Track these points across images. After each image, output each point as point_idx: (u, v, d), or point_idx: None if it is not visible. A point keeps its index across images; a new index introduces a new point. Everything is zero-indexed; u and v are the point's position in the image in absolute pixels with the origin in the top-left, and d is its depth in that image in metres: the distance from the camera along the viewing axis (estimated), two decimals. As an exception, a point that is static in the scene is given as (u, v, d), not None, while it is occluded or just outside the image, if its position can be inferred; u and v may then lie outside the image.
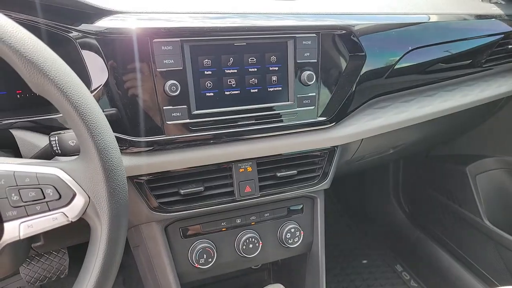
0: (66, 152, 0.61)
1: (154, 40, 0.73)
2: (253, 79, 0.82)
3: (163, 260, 0.85)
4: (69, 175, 0.51)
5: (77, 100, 0.48)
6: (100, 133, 0.50)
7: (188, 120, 0.78)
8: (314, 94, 0.87)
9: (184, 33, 0.75)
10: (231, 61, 0.80)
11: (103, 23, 0.71)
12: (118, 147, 0.53)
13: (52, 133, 0.62)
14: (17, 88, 0.80)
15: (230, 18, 0.80)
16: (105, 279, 0.51)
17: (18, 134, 0.73)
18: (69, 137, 0.61)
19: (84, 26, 0.72)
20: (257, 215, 0.93)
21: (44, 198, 0.50)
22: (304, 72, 0.84)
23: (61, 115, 0.75)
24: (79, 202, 0.51)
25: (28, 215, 0.49)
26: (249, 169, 0.88)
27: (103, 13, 0.72)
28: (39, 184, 0.50)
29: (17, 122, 0.73)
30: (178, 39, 0.75)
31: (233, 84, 0.81)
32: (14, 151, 0.74)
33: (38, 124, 0.75)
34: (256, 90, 0.83)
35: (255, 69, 0.82)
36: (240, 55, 0.80)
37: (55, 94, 0.48)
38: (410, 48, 0.97)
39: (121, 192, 0.53)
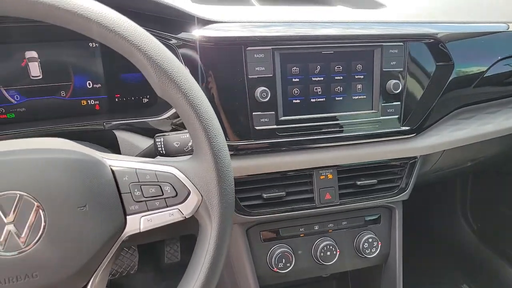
0: (170, 152, 0.65)
1: (247, 48, 0.76)
2: (339, 87, 0.83)
3: (244, 262, 0.87)
4: (184, 174, 0.54)
5: (198, 105, 0.52)
6: (215, 135, 0.53)
7: (275, 126, 0.80)
8: (399, 103, 0.86)
9: (276, 42, 0.77)
10: (318, 69, 0.81)
11: (201, 32, 0.75)
12: (228, 150, 0.56)
13: (157, 134, 0.66)
14: (116, 92, 0.86)
15: (318, 27, 0.82)
16: (213, 275, 0.54)
17: (120, 134, 0.79)
18: (174, 138, 0.65)
19: (183, 35, 0.76)
20: (334, 222, 0.93)
21: (163, 194, 0.53)
22: (390, 81, 0.84)
23: (153, 118, 0.81)
24: (193, 200, 0.54)
25: (148, 210, 0.52)
26: (330, 176, 0.88)
27: (201, 22, 0.76)
28: (158, 181, 0.53)
29: (119, 123, 0.79)
30: (270, 47, 0.77)
31: (319, 91, 0.82)
32: (114, 150, 0.80)
33: (135, 126, 0.80)
34: (341, 98, 0.84)
35: (341, 77, 0.83)
36: (327, 63, 0.82)
37: (179, 98, 0.51)
38: (499, 58, 0.93)
39: (231, 192, 0.55)
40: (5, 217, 0.45)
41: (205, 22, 0.77)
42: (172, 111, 0.79)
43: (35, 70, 0.79)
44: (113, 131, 0.79)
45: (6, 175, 0.46)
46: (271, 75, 0.78)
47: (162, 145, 0.65)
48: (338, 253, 0.92)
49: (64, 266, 0.47)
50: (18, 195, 0.46)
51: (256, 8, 0.95)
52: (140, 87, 0.87)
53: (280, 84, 0.79)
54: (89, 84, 0.83)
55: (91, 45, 0.81)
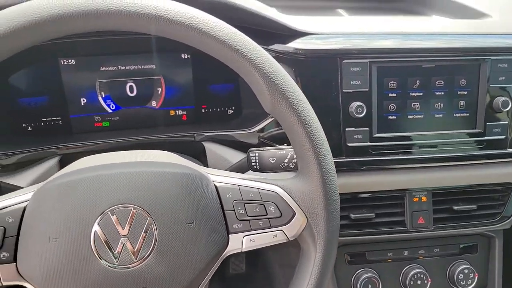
0: (264, 168, 0.63)
1: (343, 61, 0.73)
2: (439, 103, 0.77)
3: (328, 284, 0.83)
4: (288, 193, 0.52)
5: (309, 124, 0.49)
6: (324, 155, 0.50)
7: (368, 143, 0.76)
8: (507, 122, 0.78)
9: (374, 54, 0.73)
10: (417, 84, 0.76)
11: (296, 44, 0.73)
12: (335, 171, 0.53)
13: (251, 149, 0.65)
14: (203, 103, 0.86)
15: (418, 38, 0.76)
16: None
17: (208, 146, 0.79)
18: (269, 154, 0.62)
19: (276, 46, 0.74)
20: (426, 249, 0.86)
21: (267, 214, 0.51)
22: (498, 98, 0.76)
23: (242, 131, 0.79)
24: (298, 222, 0.51)
25: (251, 230, 0.51)
26: (424, 199, 0.81)
27: (296, 34, 0.74)
28: (262, 200, 0.51)
29: (209, 135, 0.78)
30: (367, 60, 0.73)
31: (417, 107, 0.76)
32: (201, 161, 0.80)
33: (223, 138, 0.80)
34: (441, 115, 0.77)
35: (442, 93, 0.77)
36: (427, 78, 0.76)
37: (289, 116, 0.49)
38: None
39: (337, 216, 0.52)
40: (121, 230, 0.45)
41: (299, 34, 0.74)
42: (262, 125, 0.77)
43: (130, 80, 0.81)
44: (202, 142, 0.78)
45: (123, 187, 0.46)
46: (367, 89, 0.74)
47: (257, 161, 0.63)
48: (429, 282, 0.85)
49: (172, 283, 0.46)
50: (132, 208, 0.46)
51: (346, 18, 0.92)
52: (226, 98, 0.87)
53: (376, 99, 0.75)
54: (178, 94, 0.84)
55: (183, 56, 0.82)
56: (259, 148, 0.64)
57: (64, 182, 0.47)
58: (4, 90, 0.74)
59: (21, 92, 0.76)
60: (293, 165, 0.62)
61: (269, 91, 0.48)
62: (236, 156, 0.78)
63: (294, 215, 0.51)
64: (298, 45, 0.73)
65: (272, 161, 0.62)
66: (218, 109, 0.87)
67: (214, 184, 0.52)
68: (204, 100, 0.86)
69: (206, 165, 0.80)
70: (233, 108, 0.88)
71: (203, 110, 0.87)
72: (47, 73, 0.76)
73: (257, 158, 0.63)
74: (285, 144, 0.72)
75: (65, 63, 0.76)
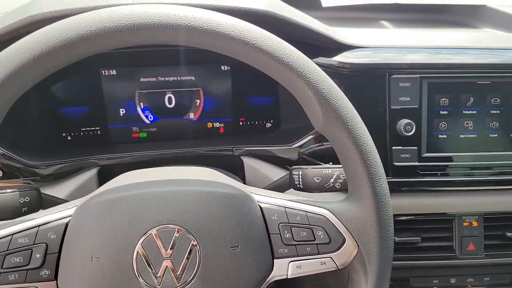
0: (308, 188, 0.60)
1: (392, 76, 0.69)
2: (494, 122, 0.72)
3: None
4: (338, 218, 0.48)
5: (363, 145, 0.46)
6: (379, 179, 0.47)
7: (416, 163, 0.71)
8: None
9: (425, 69, 0.69)
10: (471, 101, 0.71)
11: (341, 57, 0.70)
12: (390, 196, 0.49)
13: (294, 167, 0.62)
14: (241, 116, 0.84)
15: (472, 53, 0.72)
16: None
17: (247, 161, 0.76)
18: (314, 173, 0.59)
19: (321, 59, 0.71)
20: (475, 277, 0.80)
21: (315, 239, 0.48)
22: (561, 118, 0.71)
23: (283, 147, 0.77)
24: (348, 249, 0.48)
25: (298, 255, 0.47)
26: (475, 224, 0.76)
27: (342, 47, 0.71)
28: (309, 224, 0.48)
29: (248, 150, 0.76)
30: (418, 75, 0.69)
31: (470, 126, 0.72)
32: (239, 177, 0.77)
33: (262, 153, 0.77)
34: (496, 135, 0.72)
35: (498, 111, 0.72)
36: (482, 95, 0.71)
37: (342, 136, 0.46)
38: None
39: (391, 245, 0.48)
40: (164, 251, 0.43)
41: (345, 47, 0.71)
42: (303, 141, 0.74)
43: (169, 91, 0.80)
44: (241, 157, 0.76)
45: (166, 206, 0.44)
46: (417, 106, 0.70)
47: (300, 179, 0.60)
48: (478, 314, 0.79)
49: None
50: (176, 229, 0.43)
51: (393, 31, 0.88)
52: (265, 111, 0.85)
53: (426, 117, 0.71)
54: (216, 107, 0.83)
55: (223, 68, 0.81)
56: (302, 166, 0.61)
57: (107, 199, 0.45)
58: (46, 99, 0.75)
59: (62, 101, 0.76)
60: (339, 185, 0.59)
61: (322, 110, 0.45)
62: (275, 172, 0.76)
63: (344, 241, 0.48)
64: (343, 59, 0.70)
65: (316, 181, 0.59)
66: (256, 122, 0.85)
67: (259, 205, 0.49)
68: (242, 112, 0.84)
69: (243, 180, 0.77)
70: (271, 121, 0.85)
71: (240, 123, 0.85)
72: (88, 83, 0.76)
73: (300, 176, 0.60)
74: (331, 163, 0.69)
75: (106, 74, 0.76)
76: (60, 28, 0.40)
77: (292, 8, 0.70)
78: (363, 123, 0.47)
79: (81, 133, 0.79)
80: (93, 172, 0.71)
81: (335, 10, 0.90)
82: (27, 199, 0.54)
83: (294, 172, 0.61)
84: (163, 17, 0.41)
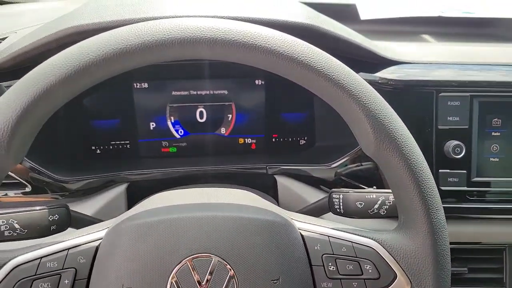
0: (349, 213, 0.56)
1: (440, 94, 0.65)
2: (553, 145, 0.66)
3: None
4: (388, 251, 0.44)
5: (420, 173, 0.42)
6: (436, 209, 0.42)
7: (465, 188, 0.66)
8: None
9: (476, 87, 0.64)
10: (526, 122, 0.66)
11: (385, 73, 0.66)
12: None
13: (334, 190, 0.58)
14: (274, 132, 0.81)
15: (528, 70, 0.67)
16: None
17: (281, 180, 0.73)
18: (356, 197, 0.55)
19: (362, 75, 0.67)
20: (527, 314, 0.74)
21: (362, 274, 0.44)
22: None
23: (316, 166, 0.72)
24: (399, 286, 0.43)
25: (343, 291, 0.43)
26: (528, 255, 0.70)
27: (385, 62, 0.67)
28: (356, 257, 0.44)
29: (283, 168, 0.72)
30: (468, 94, 0.64)
31: (525, 149, 0.66)
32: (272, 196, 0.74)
33: (297, 173, 0.73)
34: (554, 160, 0.66)
35: (557, 134, 0.66)
36: (538, 116, 0.66)
37: (396, 162, 0.42)
38: None
39: (448, 282, 0.43)
40: (200, 282, 0.39)
41: (389, 62, 0.67)
42: (342, 160, 0.70)
43: (201, 105, 0.78)
44: (275, 175, 0.73)
45: (203, 233, 0.41)
46: (467, 126, 0.65)
47: (341, 204, 0.56)
48: None
49: None
50: (213, 259, 0.40)
51: (436, 46, 0.83)
52: (299, 128, 0.81)
53: (477, 138, 0.65)
54: (249, 122, 0.79)
55: (257, 82, 0.78)
56: (343, 190, 0.57)
57: (140, 224, 0.42)
58: (77, 111, 0.73)
59: (93, 114, 0.75)
60: (384, 212, 0.54)
61: (374, 133, 0.41)
62: (310, 193, 0.72)
63: (395, 277, 0.43)
64: (386, 75, 0.66)
65: (359, 206, 0.55)
66: (289, 139, 0.81)
67: (300, 233, 0.46)
68: (275, 128, 0.81)
69: (277, 201, 0.73)
70: (305, 138, 0.82)
71: (273, 139, 0.81)
72: (120, 96, 0.75)
73: (341, 200, 0.56)
74: (374, 187, 0.64)
75: (138, 87, 0.74)
76: (98, 43, 0.38)
77: (331, 20, 0.66)
78: (419, 148, 0.43)
79: (111, 147, 0.77)
80: (122, 188, 0.69)
81: (374, 23, 0.86)
82: (56, 217, 0.52)
83: (334, 196, 0.57)
84: (214, 31, 0.38)
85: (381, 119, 0.41)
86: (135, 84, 0.74)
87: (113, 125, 0.76)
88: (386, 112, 0.42)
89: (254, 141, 0.81)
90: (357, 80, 0.42)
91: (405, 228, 0.45)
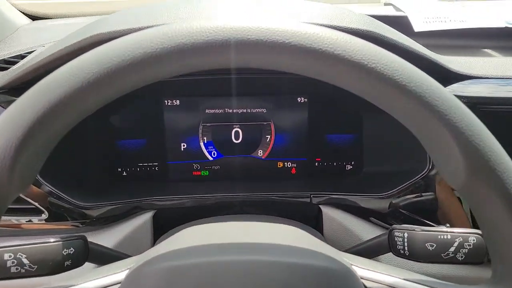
0: (416, 256, 0.46)
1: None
2: None
3: None
4: None
5: None
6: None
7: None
8: None
9: None
10: None
11: (455, 89, 0.57)
12: None
13: (396, 226, 0.48)
14: (318, 155, 0.72)
15: None
16: None
17: (326, 211, 0.63)
18: (426, 237, 0.46)
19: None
20: None
21: None
22: None
23: (368, 196, 0.63)
24: None
25: None
26: None
27: (454, 77, 0.58)
28: None
29: (329, 198, 0.63)
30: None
31: None
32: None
33: (344, 202, 0.64)
34: None
35: None
36: None
37: (496, 200, 0.32)
38: None
39: None
40: None
41: (458, 77, 0.58)
42: (400, 190, 0.60)
43: (237, 125, 0.70)
44: (320, 205, 0.64)
45: (245, 283, 0.32)
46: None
47: (406, 244, 0.47)
48: None
49: None
50: None
51: (503, 60, 0.73)
52: (345, 151, 0.72)
53: None
54: (289, 144, 0.71)
55: (299, 100, 0.70)
56: (407, 227, 0.47)
57: (166, 268, 0.34)
58: (104, 130, 0.67)
59: (120, 133, 0.69)
60: (462, 256, 0.44)
61: (466, 161, 0.32)
62: (360, 227, 0.62)
63: None
64: (457, 90, 0.56)
65: (430, 248, 0.45)
66: (334, 163, 0.72)
67: (363, 284, 0.36)
68: (318, 151, 0.72)
69: (321, 234, 0.64)
70: (352, 163, 0.72)
71: (316, 164, 0.72)
72: (149, 113, 0.68)
73: (406, 240, 0.47)
74: (448, 225, 0.54)
75: (169, 104, 0.68)
76: (123, 45, 0.31)
77: (391, 29, 0.58)
78: None
79: (138, 169, 0.70)
80: (147, 216, 0.61)
81: (429, 36, 0.77)
82: (72, 250, 0.45)
83: (396, 234, 0.47)
84: (301, 37, 0.30)
85: (475, 143, 0.32)
86: (166, 101, 0.68)
87: (140, 145, 0.69)
88: (482, 133, 0.32)
89: (294, 165, 0.72)
90: (443, 93, 0.33)
91: (504, 283, 0.34)
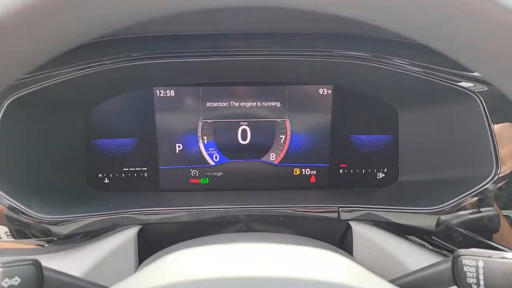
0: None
1: None
2: None
3: None
4: None
5: None
6: None
7: None
8: None
9: None
10: None
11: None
12: None
13: (463, 251, 0.36)
14: (342, 160, 0.59)
15: None
16: None
17: (357, 228, 0.50)
18: (508, 266, 0.33)
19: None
20: None
21: None
22: None
23: (411, 210, 0.50)
24: None
25: None
26: None
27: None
28: None
29: (362, 213, 0.50)
30: None
31: None
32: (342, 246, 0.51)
33: (374, 219, 0.51)
34: None
35: None
36: None
37: None
38: None
39: None
40: None
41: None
42: (455, 203, 0.47)
43: (244, 122, 0.58)
44: (349, 222, 0.50)
45: None
46: None
47: (480, 275, 0.34)
48: None
49: None
50: None
51: None
52: (377, 155, 0.59)
53: None
54: (308, 146, 0.58)
55: (321, 92, 0.57)
56: (478, 252, 0.35)
57: None
58: (81, 127, 0.55)
59: (101, 131, 0.56)
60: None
61: None
62: (403, 248, 0.49)
63: None
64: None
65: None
66: (363, 171, 0.59)
67: None
68: (343, 156, 0.60)
69: (350, 254, 0.50)
70: (384, 170, 0.59)
71: (341, 171, 0.60)
72: (136, 107, 0.56)
73: (481, 269, 0.34)
74: None
75: (161, 95, 0.56)
76: None
77: None
78: None
79: (123, 175, 0.57)
80: (131, 233, 0.48)
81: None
82: (16, 281, 0.32)
83: (466, 262, 0.36)
84: None
85: None
86: (157, 91, 0.55)
87: (126, 146, 0.57)
88: None
89: (314, 172, 0.60)
90: None
91: None
